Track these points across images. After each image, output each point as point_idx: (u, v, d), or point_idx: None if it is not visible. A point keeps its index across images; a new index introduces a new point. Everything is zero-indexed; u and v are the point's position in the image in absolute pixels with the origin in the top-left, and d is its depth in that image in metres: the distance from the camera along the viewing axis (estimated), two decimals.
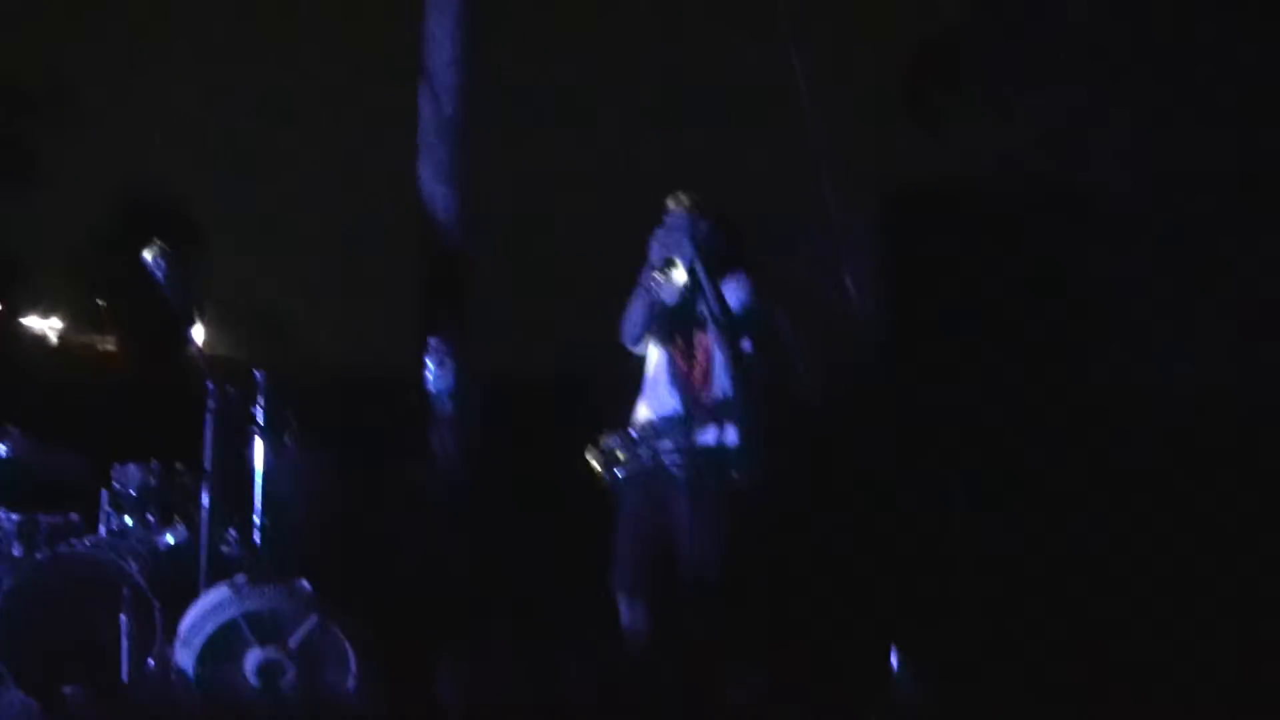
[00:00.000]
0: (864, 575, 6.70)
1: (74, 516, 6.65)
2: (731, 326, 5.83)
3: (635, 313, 6.04)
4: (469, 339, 8.86)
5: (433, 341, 7.88)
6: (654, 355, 6.07)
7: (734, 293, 5.90)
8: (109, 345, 7.11)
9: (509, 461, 6.71)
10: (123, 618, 5.97)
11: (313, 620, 5.72)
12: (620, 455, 5.89)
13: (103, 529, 6.58)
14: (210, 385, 6.31)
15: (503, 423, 7.36)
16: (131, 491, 6.55)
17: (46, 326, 8.29)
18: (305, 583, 5.86)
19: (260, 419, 6.35)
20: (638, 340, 6.07)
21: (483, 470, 7.25)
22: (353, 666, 5.72)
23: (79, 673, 6.02)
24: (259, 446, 6.35)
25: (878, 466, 7.51)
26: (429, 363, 7.74)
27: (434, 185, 9.59)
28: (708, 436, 5.85)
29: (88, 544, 6.42)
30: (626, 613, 5.97)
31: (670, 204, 5.98)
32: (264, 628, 5.72)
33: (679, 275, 5.79)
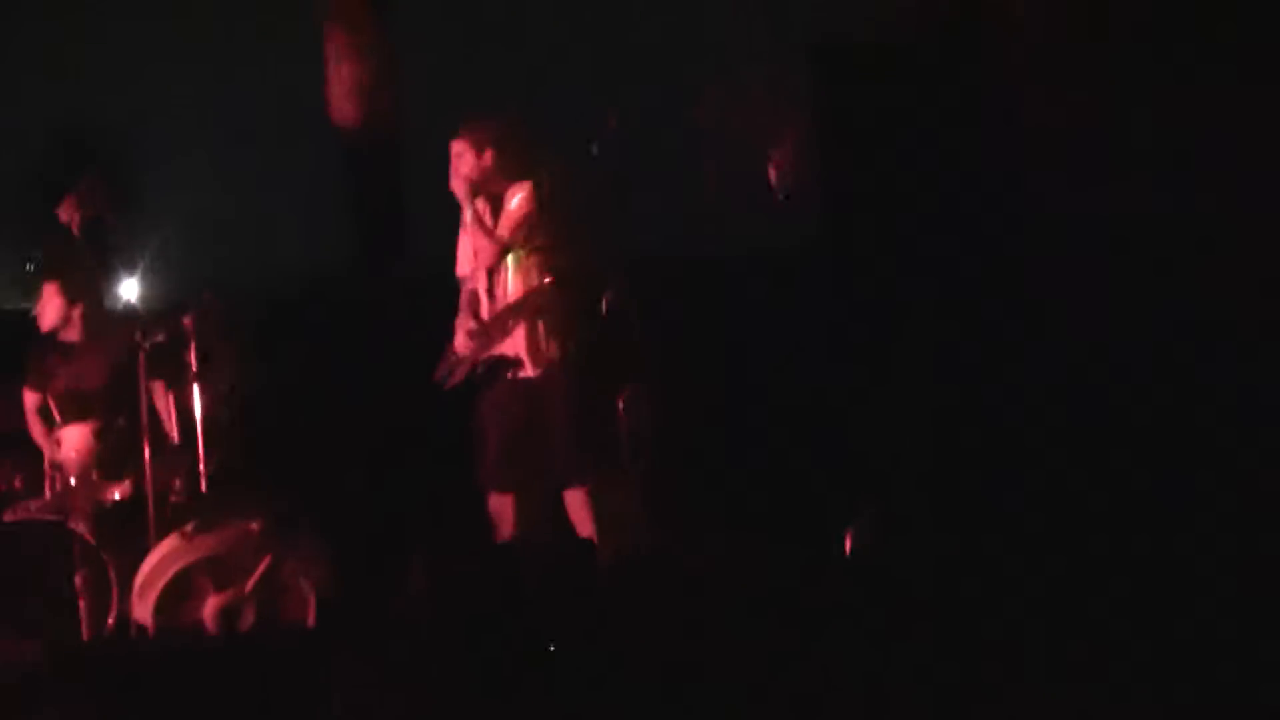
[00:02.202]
0: None
1: (17, 483, 6.73)
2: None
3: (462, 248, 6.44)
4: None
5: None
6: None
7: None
8: (37, 306, 7.15)
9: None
10: (77, 577, 6.09)
11: (265, 560, 5.85)
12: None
13: (48, 491, 6.64)
14: (139, 335, 6.40)
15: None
16: (73, 452, 6.59)
17: None
18: (254, 523, 5.97)
19: (193, 363, 6.40)
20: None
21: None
22: (312, 603, 5.86)
23: (40, 634, 6.08)
24: (195, 390, 6.41)
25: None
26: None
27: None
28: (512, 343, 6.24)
29: (34, 508, 6.49)
30: (497, 508, 6.34)
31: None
32: (218, 573, 5.85)
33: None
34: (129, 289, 7.25)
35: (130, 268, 7.23)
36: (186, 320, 6.43)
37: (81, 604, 6.10)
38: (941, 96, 7.04)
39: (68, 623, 6.09)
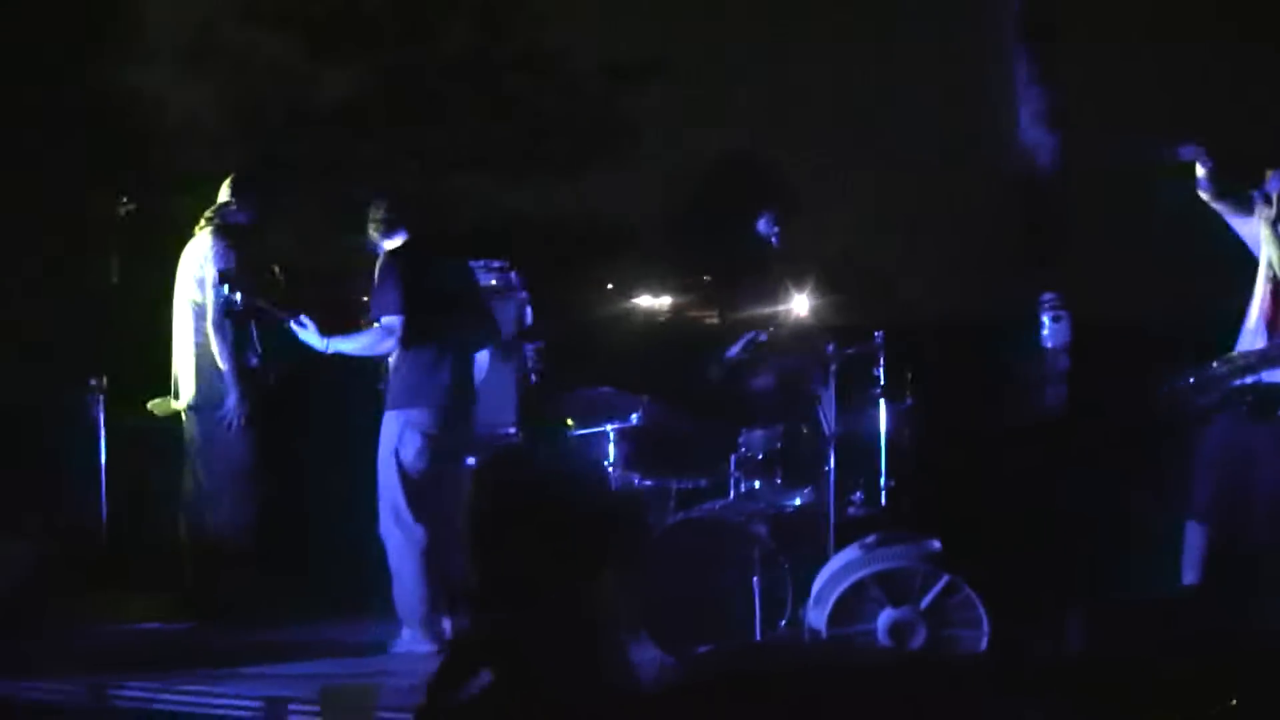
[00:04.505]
0: None
1: (704, 481, 7.18)
2: None
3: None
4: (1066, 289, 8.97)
5: (1048, 296, 8.00)
6: (1256, 296, 6.17)
7: None
8: (719, 318, 7.65)
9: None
10: (754, 579, 6.40)
11: (944, 580, 5.96)
12: (1196, 390, 6.08)
13: (732, 493, 7.04)
14: (830, 348, 6.71)
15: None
16: (759, 455, 6.97)
17: (658, 304, 8.95)
18: (935, 542, 6.10)
19: (881, 379, 6.63)
20: None
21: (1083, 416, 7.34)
22: (985, 626, 5.92)
23: (714, 632, 6.44)
24: (881, 406, 6.64)
25: None
26: (1045, 317, 7.87)
27: (1031, 135, 9.78)
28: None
29: (718, 507, 6.89)
30: (1193, 536, 6.12)
31: None
32: (895, 588, 6.01)
33: None
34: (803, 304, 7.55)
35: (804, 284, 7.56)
36: (878, 337, 6.68)
37: (756, 604, 6.42)
38: None
39: (743, 621, 6.41)
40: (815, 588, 6.20)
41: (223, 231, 7.10)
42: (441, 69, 17.67)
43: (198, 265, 7.06)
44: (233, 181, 7.28)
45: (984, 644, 5.91)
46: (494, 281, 7.66)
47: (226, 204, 7.19)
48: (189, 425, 7.18)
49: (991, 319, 9.08)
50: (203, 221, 7.17)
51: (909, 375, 6.84)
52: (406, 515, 6.61)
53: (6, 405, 7.72)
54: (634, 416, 7.31)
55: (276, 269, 7.28)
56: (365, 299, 6.85)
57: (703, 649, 6.37)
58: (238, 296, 6.73)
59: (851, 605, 6.05)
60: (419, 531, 6.61)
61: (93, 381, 7.14)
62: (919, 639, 5.98)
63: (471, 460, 7.08)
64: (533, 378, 7.98)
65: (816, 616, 6.14)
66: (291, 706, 5.73)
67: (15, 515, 7.00)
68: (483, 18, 17.62)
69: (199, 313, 7.07)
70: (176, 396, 7.20)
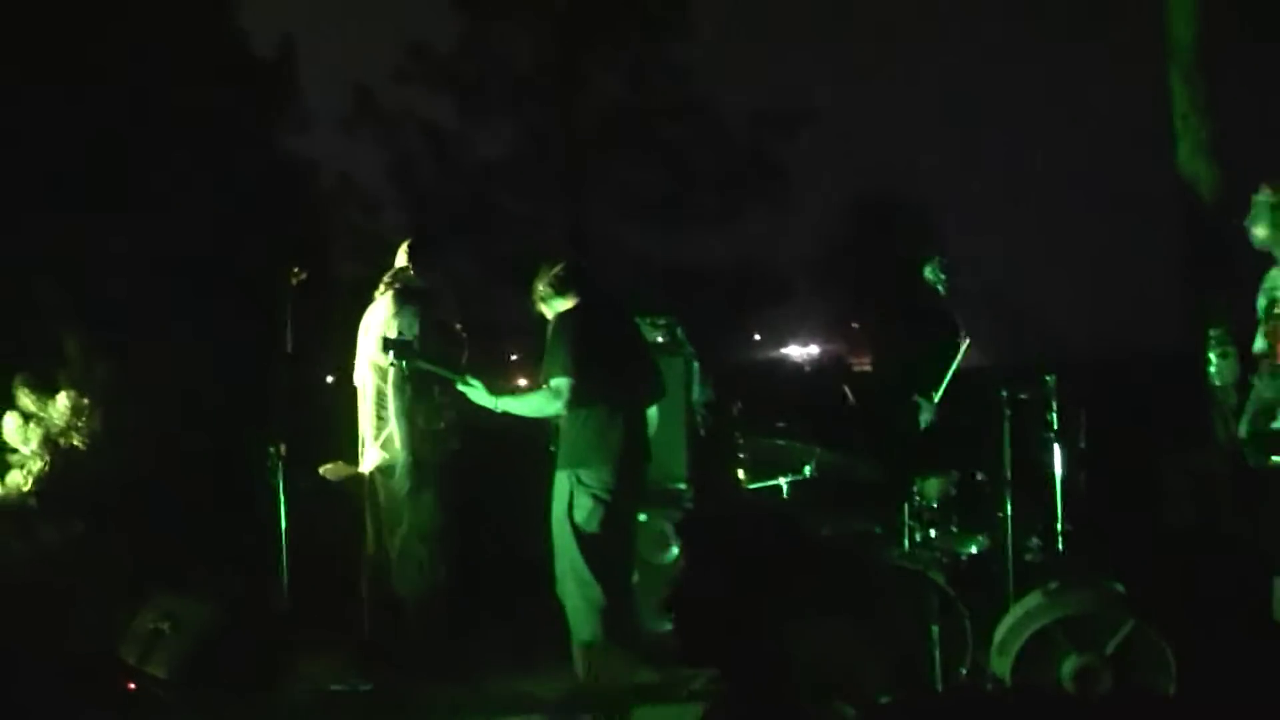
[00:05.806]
0: None
1: (877, 530, 7.21)
2: None
3: None
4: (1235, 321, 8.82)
5: (1214, 332, 7.92)
6: None
7: None
8: (865, 365, 7.70)
9: None
10: (934, 627, 6.42)
11: (1129, 624, 5.94)
12: None
13: (907, 540, 7.06)
14: (1004, 393, 6.71)
15: None
16: (933, 503, 7.00)
17: (804, 353, 9.07)
18: (1118, 586, 6.08)
19: (1054, 422, 6.62)
20: None
21: None
22: (1172, 670, 5.88)
23: (894, 682, 6.44)
24: (1056, 451, 6.63)
25: None
26: (1211, 354, 7.78)
27: (1195, 164, 9.73)
28: None
29: (894, 555, 6.92)
30: None
31: None
32: (1079, 633, 6.00)
33: None
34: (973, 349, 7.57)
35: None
36: (1050, 380, 6.68)
37: (935, 653, 6.43)
38: None
39: (922, 671, 6.43)
40: (998, 635, 6.21)
41: (401, 295, 7.26)
42: (594, 124, 18.06)
43: (378, 329, 7.22)
44: (410, 245, 7.47)
45: (1172, 689, 5.88)
46: (660, 338, 7.75)
47: (404, 268, 7.36)
48: (374, 487, 7.34)
49: (1159, 357, 9.02)
50: (382, 286, 7.35)
51: (1082, 417, 6.82)
52: (584, 574, 6.67)
53: (192, 472, 7.97)
54: (807, 469, 7.37)
55: (459, 326, 7.43)
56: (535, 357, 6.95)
57: (883, 699, 6.39)
58: (404, 361, 6.87)
59: (1035, 652, 6.04)
60: (596, 591, 6.67)
61: (271, 449, 7.31)
62: (1105, 684, 5.96)
63: (644, 517, 7.17)
64: (702, 432, 8.05)
65: (1000, 664, 6.14)
66: None
67: (204, 579, 7.19)
68: (630, 72, 18.02)
69: (381, 376, 7.23)
70: (361, 459, 7.36)
